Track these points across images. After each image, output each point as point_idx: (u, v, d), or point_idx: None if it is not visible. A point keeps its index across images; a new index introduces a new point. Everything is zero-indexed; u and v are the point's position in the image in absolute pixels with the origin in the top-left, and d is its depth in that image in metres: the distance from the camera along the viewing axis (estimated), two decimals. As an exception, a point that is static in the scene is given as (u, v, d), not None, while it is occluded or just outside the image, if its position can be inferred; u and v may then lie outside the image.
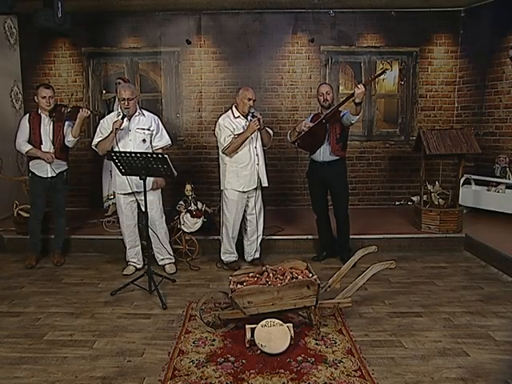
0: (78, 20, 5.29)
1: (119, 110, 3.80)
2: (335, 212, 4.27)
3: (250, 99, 3.89)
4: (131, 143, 3.83)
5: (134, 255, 4.12)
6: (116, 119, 3.72)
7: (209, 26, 6.03)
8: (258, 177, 4.04)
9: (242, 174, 4.01)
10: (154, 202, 3.99)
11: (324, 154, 4.10)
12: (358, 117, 3.90)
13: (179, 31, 6.03)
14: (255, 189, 4.09)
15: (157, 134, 3.97)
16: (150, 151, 3.87)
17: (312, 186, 4.33)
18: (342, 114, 4.00)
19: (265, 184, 4.09)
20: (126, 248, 4.13)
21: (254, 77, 6.07)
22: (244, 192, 4.05)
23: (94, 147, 3.92)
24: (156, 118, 4.03)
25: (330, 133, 4.05)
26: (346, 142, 4.18)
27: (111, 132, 3.70)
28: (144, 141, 3.89)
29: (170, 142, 4.09)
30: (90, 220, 5.33)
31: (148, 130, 3.90)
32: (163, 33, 6.06)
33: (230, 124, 3.94)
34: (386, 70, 4.07)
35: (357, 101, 3.75)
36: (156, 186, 3.99)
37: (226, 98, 6.13)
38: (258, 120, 3.83)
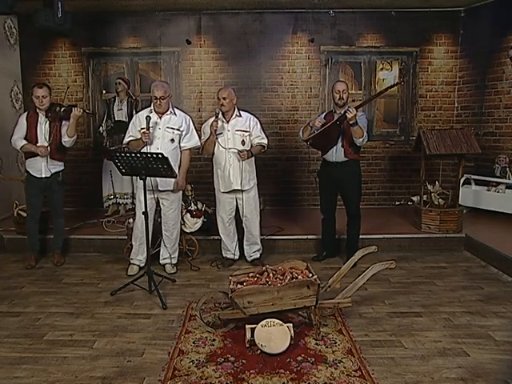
0: (78, 20, 5.27)
1: (151, 108, 3.86)
2: (347, 212, 4.25)
3: (219, 98, 3.94)
4: (159, 141, 3.84)
5: (140, 253, 4.07)
6: (143, 129, 3.72)
7: (209, 25, 6.03)
8: (237, 178, 4.00)
9: (219, 174, 4.09)
10: (174, 203, 4.01)
11: (337, 154, 4.07)
12: (362, 139, 3.88)
13: (179, 31, 6.03)
14: (241, 191, 4.06)
15: (186, 134, 3.97)
16: (178, 151, 3.92)
17: (323, 185, 4.30)
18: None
19: (239, 187, 4.01)
20: (132, 245, 4.09)
21: (253, 77, 6.08)
22: (226, 192, 4.08)
23: (125, 144, 4.01)
24: (188, 118, 4.03)
25: (344, 136, 4.01)
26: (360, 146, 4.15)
27: (139, 138, 3.76)
28: (172, 140, 3.88)
29: (198, 144, 4.07)
30: (89, 220, 5.32)
31: (178, 130, 3.90)
32: (163, 33, 6.06)
33: (207, 126, 4.05)
34: (389, 87, 4.05)
35: (351, 122, 3.77)
36: (177, 188, 3.97)
37: (226, 98, 6.12)
38: (217, 117, 3.88)
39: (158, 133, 3.86)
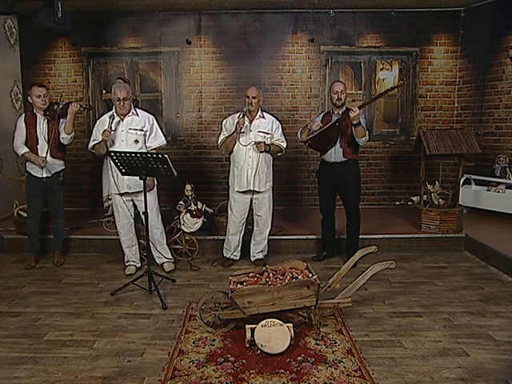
0: (78, 20, 5.29)
1: (113, 110, 3.80)
2: (347, 212, 4.26)
3: (247, 96, 3.93)
4: (123, 144, 3.79)
5: (132, 255, 4.12)
6: (104, 128, 3.70)
7: (209, 25, 6.03)
8: (254, 179, 4.00)
9: (236, 173, 4.07)
10: (150, 203, 3.95)
11: (336, 155, 4.06)
12: (364, 138, 3.89)
13: (179, 31, 6.03)
14: (256, 192, 4.07)
15: (150, 134, 3.90)
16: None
17: (322, 186, 4.30)
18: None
19: (255, 188, 4.03)
20: (122, 248, 4.12)
21: (254, 77, 6.07)
22: (241, 192, 4.08)
23: (90, 149, 3.96)
24: (151, 117, 3.96)
25: (343, 136, 4.01)
26: (359, 145, 4.13)
27: (102, 140, 3.72)
28: (136, 141, 3.83)
29: (164, 143, 4.02)
30: (89, 220, 5.33)
31: (141, 130, 3.84)
32: (163, 33, 6.06)
33: (229, 122, 4.05)
34: (391, 88, 4.07)
35: (354, 122, 3.78)
36: (148, 188, 3.94)
37: (226, 98, 6.13)
38: (243, 116, 3.86)
39: (122, 135, 3.80)
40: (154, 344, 2.80)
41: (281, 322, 2.68)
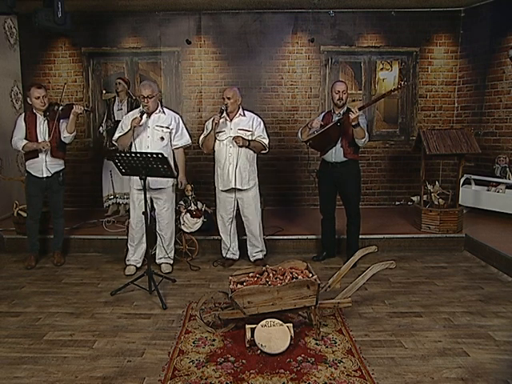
0: (78, 20, 5.29)
1: (141, 107, 3.87)
2: (347, 212, 4.26)
3: (223, 98, 3.98)
4: (149, 140, 3.87)
5: (136, 254, 4.10)
6: (135, 116, 3.77)
7: (209, 25, 6.03)
8: (235, 176, 4.00)
9: (219, 172, 4.11)
10: (167, 202, 4.03)
11: (336, 155, 4.07)
12: (364, 139, 3.90)
13: (179, 31, 6.03)
14: (239, 190, 4.07)
15: (176, 132, 4.00)
16: (168, 150, 3.93)
17: (322, 185, 4.30)
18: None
19: (237, 185, 4.02)
20: (129, 246, 4.11)
21: (253, 77, 6.07)
22: (225, 191, 4.09)
23: (114, 142, 4.03)
24: (177, 116, 4.06)
25: (344, 136, 4.01)
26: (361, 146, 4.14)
27: (130, 129, 3.77)
28: (162, 138, 3.91)
29: (189, 142, 4.13)
30: (89, 220, 5.33)
31: (167, 128, 3.93)
32: (163, 33, 6.06)
33: (210, 122, 4.07)
34: (393, 90, 4.09)
35: (353, 124, 3.78)
36: (181, 185, 4.09)
37: (226, 98, 6.12)
38: (221, 113, 3.90)
39: (148, 131, 3.87)
40: (154, 344, 2.80)
41: (281, 322, 2.68)
